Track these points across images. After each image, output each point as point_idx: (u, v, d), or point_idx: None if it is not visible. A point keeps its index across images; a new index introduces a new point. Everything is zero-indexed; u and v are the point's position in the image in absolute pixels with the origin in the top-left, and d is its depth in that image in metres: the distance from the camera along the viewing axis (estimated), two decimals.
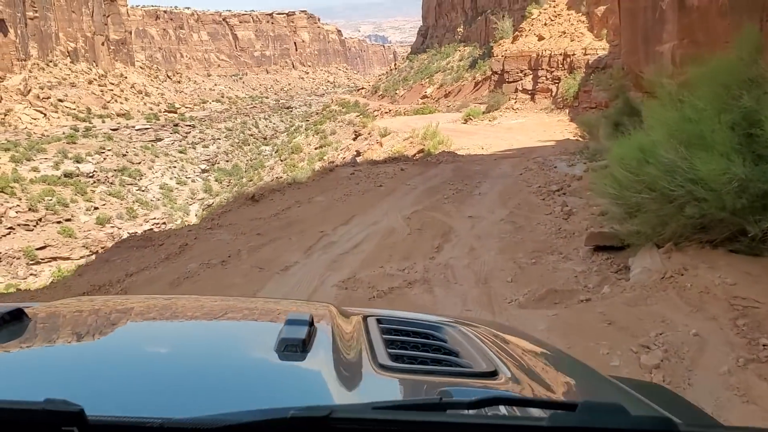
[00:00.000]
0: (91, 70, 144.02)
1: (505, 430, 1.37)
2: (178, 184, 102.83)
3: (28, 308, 2.32)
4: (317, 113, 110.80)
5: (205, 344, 2.28)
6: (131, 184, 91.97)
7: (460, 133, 31.44)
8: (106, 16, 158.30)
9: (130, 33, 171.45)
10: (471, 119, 39.06)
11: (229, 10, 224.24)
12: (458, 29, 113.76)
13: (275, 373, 1.95)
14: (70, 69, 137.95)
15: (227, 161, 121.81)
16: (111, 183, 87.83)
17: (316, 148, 71.94)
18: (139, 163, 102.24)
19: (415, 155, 24.63)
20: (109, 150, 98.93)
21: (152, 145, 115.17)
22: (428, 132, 27.72)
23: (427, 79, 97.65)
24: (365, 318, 2.51)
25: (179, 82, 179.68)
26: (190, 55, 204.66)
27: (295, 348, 1.91)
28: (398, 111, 72.05)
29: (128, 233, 65.03)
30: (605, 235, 9.26)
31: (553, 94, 38.60)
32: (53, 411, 1.30)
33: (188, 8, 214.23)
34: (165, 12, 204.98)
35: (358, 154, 31.93)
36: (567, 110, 36.25)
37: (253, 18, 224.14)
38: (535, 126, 33.18)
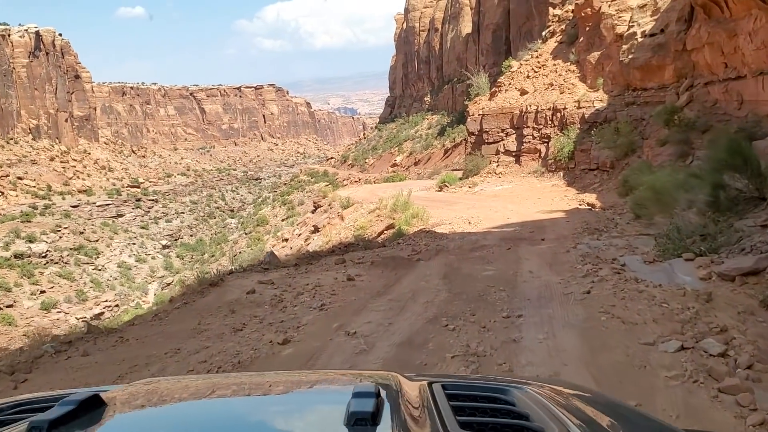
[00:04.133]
0: (53, 146, 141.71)
1: None
2: (137, 261, 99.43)
3: (103, 393, 2.36)
4: (285, 184, 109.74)
5: (280, 420, 2.30)
6: (87, 263, 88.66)
7: (438, 202, 27.03)
8: (70, 93, 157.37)
9: (95, 109, 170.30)
10: (447, 186, 34.73)
11: (197, 85, 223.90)
12: (425, 98, 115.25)
13: None
14: (31, 146, 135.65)
15: (191, 236, 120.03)
16: (65, 263, 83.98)
17: (282, 220, 69.44)
18: (97, 240, 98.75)
19: (381, 234, 20.16)
20: (65, 228, 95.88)
21: (112, 222, 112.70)
22: (399, 202, 23.27)
23: (397, 148, 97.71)
24: (430, 384, 2.51)
25: (144, 156, 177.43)
26: (156, 130, 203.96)
27: (364, 422, 1.87)
28: (368, 179, 70.93)
29: (76, 318, 62.53)
30: None
31: (543, 154, 33.91)
32: None
33: (155, 84, 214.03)
34: (131, 88, 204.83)
35: (316, 229, 27.95)
36: (561, 173, 31.73)
37: (220, 92, 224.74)
38: (526, 192, 28.74)
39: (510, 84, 37.69)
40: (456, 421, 2.02)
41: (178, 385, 2.89)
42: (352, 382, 2.71)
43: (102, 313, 62.32)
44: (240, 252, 58.03)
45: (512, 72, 38.99)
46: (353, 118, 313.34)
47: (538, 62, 38.24)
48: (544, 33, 43.08)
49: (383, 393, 2.17)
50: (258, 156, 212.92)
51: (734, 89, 20.51)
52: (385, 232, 20.23)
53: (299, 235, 30.99)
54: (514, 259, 13.24)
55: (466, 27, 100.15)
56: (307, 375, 3.42)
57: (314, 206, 36.12)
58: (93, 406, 2.17)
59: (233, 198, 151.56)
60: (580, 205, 22.96)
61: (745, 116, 19.14)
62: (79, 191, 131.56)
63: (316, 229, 27.65)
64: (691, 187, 11.71)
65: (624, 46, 28.78)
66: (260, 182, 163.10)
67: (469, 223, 20.35)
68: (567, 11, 40.95)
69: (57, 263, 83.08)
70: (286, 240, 32.78)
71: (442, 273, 12.38)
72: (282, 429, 2.16)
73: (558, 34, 39.88)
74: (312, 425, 2.19)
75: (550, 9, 49.07)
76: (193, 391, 2.73)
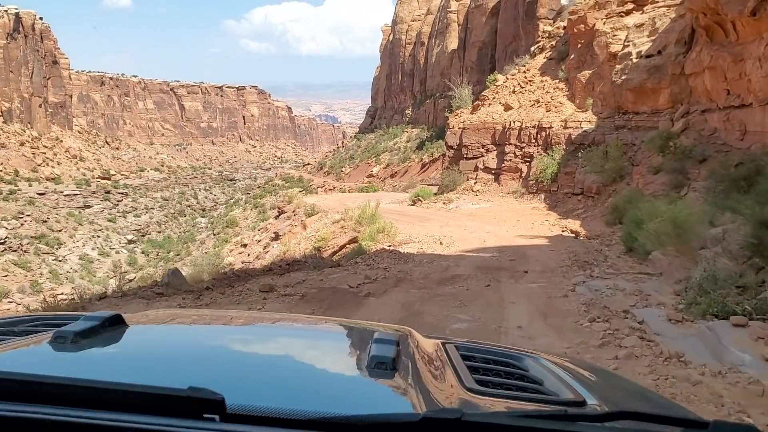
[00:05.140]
0: (24, 131, 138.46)
1: None
2: (100, 255, 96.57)
3: (125, 315, 2.40)
4: (259, 186, 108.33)
5: (308, 354, 2.38)
6: (47, 254, 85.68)
7: (409, 217, 24.96)
8: (47, 78, 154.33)
9: (71, 97, 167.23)
10: (421, 200, 32.95)
11: (178, 81, 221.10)
12: (407, 111, 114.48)
13: (370, 386, 1.96)
14: (1, 129, 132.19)
15: (159, 232, 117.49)
16: (24, 251, 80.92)
17: (253, 222, 67.86)
18: (60, 230, 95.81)
19: (343, 247, 17.99)
20: (28, 215, 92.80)
21: (79, 212, 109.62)
22: (365, 214, 21.05)
23: (374, 159, 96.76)
24: (444, 344, 2.56)
25: (118, 148, 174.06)
26: (133, 123, 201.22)
27: (384, 366, 1.92)
28: (343, 188, 69.80)
29: (27, 310, 59.41)
30: None
31: (524, 174, 31.80)
32: (197, 398, 1.37)
33: (135, 76, 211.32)
34: (111, 78, 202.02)
35: (276, 236, 25.83)
36: (543, 195, 29.74)
37: (201, 90, 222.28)
38: (505, 213, 26.75)
39: (494, 98, 35.92)
40: (472, 378, 2.05)
41: (197, 313, 3.32)
42: (373, 330, 2.63)
43: (57, 305, 59.68)
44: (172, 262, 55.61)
45: (497, 86, 37.19)
46: (333, 126, 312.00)
47: (525, 77, 36.51)
48: (532, 48, 41.49)
49: (401, 343, 2.19)
50: (235, 157, 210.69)
51: (737, 118, 18.99)
52: (347, 245, 18.16)
53: (259, 241, 28.96)
54: (495, 301, 10.71)
55: (453, 43, 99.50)
56: (327, 321, 3.52)
57: (278, 212, 33.98)
58: (115, 324, 2.24)
59: (206, 197, 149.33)
60: (563, 231, 21.11)
61: (748, 147, 17.61)
62: (47, 179, 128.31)
63: (277, 237, 25.65)
64: (723, 223, 9.79)
65: (617, 66, 27.30)
66: (235, 183, 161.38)
67: (441, 243, 18.26)
68: (558, 27, 39.45)
69: (15, 251, 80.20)
70: (245, 246, 30.72)
71: (395, 320, 9.53)
72: (304, 364, 2.18)
73: (548, 50, 38.29)
74: (334, 365, 2.21)
75: (540, 25, 47.83)
76: (210, 320, 2.87)
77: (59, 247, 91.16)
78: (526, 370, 2.31)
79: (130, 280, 70.48)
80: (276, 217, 33.35)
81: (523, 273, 13.07)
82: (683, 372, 6.51)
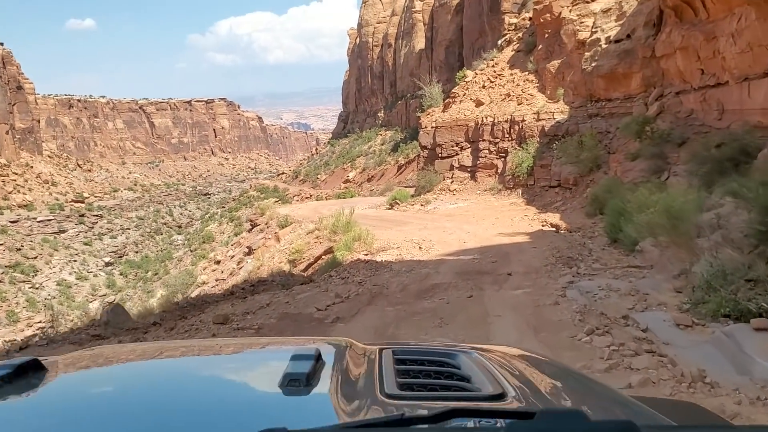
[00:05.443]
0: None
1: None
2: (78, 279, 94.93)
3: (43, 359, 2.32)
4: (234, 199, 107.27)
5: (219, 379, 2.34)
6: (24, 282, 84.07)
7: (386, 222, 24.19)
8: (12, 105, 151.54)
9: (39, 122, 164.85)
10: (398, 203, 32.19)
11: (146, 98, 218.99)
12: (379, 114, 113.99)
13: (279, 406, 1.94)
14: None
15: (137, 252, 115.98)
16: None
17: (230, 236, 67.01)
18: (36, 257, 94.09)
19: (319, 259, 17.10)
20: (1, 244, 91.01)
21: (54, 238, 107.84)
22: (339, 222, 20.18)
23: (349, 164, 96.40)
24: (381, 350, 2.52)
25: (90, 170, 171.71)
26: (104, 144, 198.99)
27: (298, 382, 1.92)
28: (319, 195, 69.04)
29: (3, 342, 58.08)
30: None
31: (500, 170, 31.15)
32: None
33: (103, 97, 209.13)
34: (79, 101, 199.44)
35: (250, 251, 24.96)
36: (520, 190, 29.23)
37: (170, 105, 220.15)
38: (483, 211, 25.98)
39: (465, 95, 35.31)
40: (395, 382, 2.05)
41: (124, 350, 3.01)
42: (301, 345, 2.74)
43: (34, 335, 58.42)
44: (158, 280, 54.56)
45: (467, 82, 36.57)
46: (306, 133, 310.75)
47: (494, 71, 35.93)
48: (500, 42, 40.97)
49: (328, 356, 2.22)
50: (208, 171, 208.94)
51: (713, 97, 18.50)
52: (323, 257, 17.38)
53: (232, 257, 28.04)
54: (479, 315, 9.63)
55: (420, 43, 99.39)
56: (258, 340, 3.82)
57: (251, 224, 32.94)
58: (32, 371, 2.14)
59: (181, 214, 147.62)
60: (543, 226, 20.42)
61: (727, 127, 17.11)
62: (20, 206, 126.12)
63: (250, 251, 24.78)
64: (713, 207, 9.06)
65: (587, 54, 26.80)
66: (209, 197, 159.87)
67: (420, 248, 17.45)
68: (524, 19, 38.99)
69: None
70: (219, 263, 29.75)
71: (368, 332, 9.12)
72: (219, 387, 2.16)
73: (515, 43, 37.80)
74: (248, 385, 2.24)
75: (506, 18, 47.37)
76: (139, 354, 2.81)
77: (35, 275, 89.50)
78: (459, 368, 2.30)
79: (110, 303, 69.45)
80: (249, 231, 32.32)
81: (506, 276, 12.22)
82: (715, 401, 5.50)
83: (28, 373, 2.11)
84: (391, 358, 2.33)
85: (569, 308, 9.22)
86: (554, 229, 19.36)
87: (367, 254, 16.78)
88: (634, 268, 10.52)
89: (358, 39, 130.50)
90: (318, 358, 2.08)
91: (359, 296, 11.56)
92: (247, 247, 26.18)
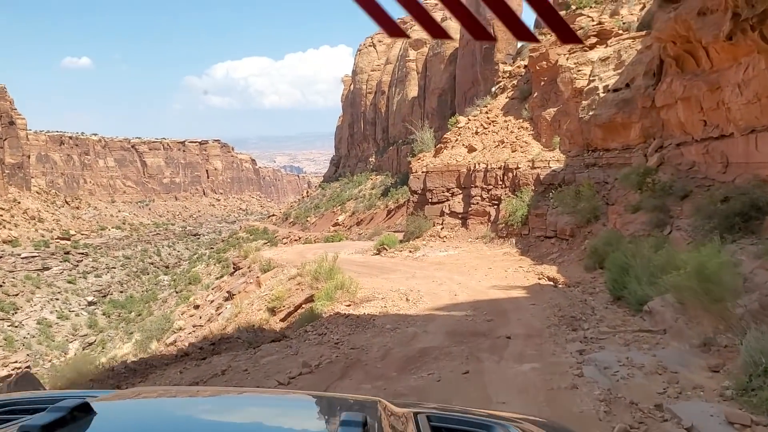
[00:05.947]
0: None
1: None
2: (59, 318, 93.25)
3: (92, 399, 2.35)
4: (223, 240, 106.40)
5: (280, 423, 2.46)
6: (2, 319, 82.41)
7: (373, 269, 23.20)
8: (3, 140, 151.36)
9: (29, 157, 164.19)
10: (386, 249, 31.28)
11: (139, 138, 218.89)
12: (370, 159, 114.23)
13: None
14: None
15: (121, 292, 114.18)
16: None
17: (216, 278, 65.86)
18: (17, 295, 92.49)
19: (299, 308, 16.05)
20: None
21: (37, 275, 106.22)
22: (322, 269, 19.10)
23: (339, 207, 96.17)
24: (416, 414, 2.55)
25: (78, 207, 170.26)
26: (94, 181, 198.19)
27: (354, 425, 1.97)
28: (308, 238, 68.54)
29: None
30: None
31: (492, 218, 30.28)
32: None
33: (95, 134, 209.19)
34: (70, 138, 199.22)
35: (230, 296, 23.87)
36: (514, 240, 28.23)
37: (163, 145, 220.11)
38: (475, 261, 25.10)
39: (457, 140, 34.67)
40: None
41: (166, 393, 3.20)
42: (339, 406, 2.71)
43: (9, 375, 56.69)
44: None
45: (459, 128, 35.98)
46: (298, 176, 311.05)
47: (488, 118, 35.38)
48: (493, 89, 40.64)
49: (369, 420, 2.19)
50: (199, 211, 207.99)
51: (717, 150, 17.78)
52: (303, 305, 16.32)
53: (212, 302, 26.89)
54: (478, 401, 7.73)
55: (413, 90, 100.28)
56: (292, 395, 3.75)
57: (233, 268, 31.86)
58: (82, 413, 2.16)
59: (169, 254, 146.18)
60: (540, 279, 19.42)
61: (732, 180, 16.36)
62: (4, 242, 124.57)
63: (230, 296, 23.69)
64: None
65: (584, 102, 26.23)
66: (199, 238, 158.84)
67: (407, 299, 16.32)
68: (519, 67, 38.69)
69: None
70: (197, 307, 28.55)
71: None
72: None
73: (509, 90, 37.39)
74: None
75: (501, 66, 47.16)
76: (176, 393, 3.04)
77: (15, 312, 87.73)
78: None
79: (90, 344, 67.37)
80: (231, 274, 31.21)
81: (505, 340, 10.92)
82: None
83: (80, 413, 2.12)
84: (428, 425, 2.38)
85: (590, 394, 7.81)
86: (552, 283, 18.41)
87: (349, 305, 15.72)
88: (645, 332, 9.45)
89: (352, 86, 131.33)
90: (365, 423, 2.08)
91: (332, 364, 10.13)
92: (227, 292, 25.09)
